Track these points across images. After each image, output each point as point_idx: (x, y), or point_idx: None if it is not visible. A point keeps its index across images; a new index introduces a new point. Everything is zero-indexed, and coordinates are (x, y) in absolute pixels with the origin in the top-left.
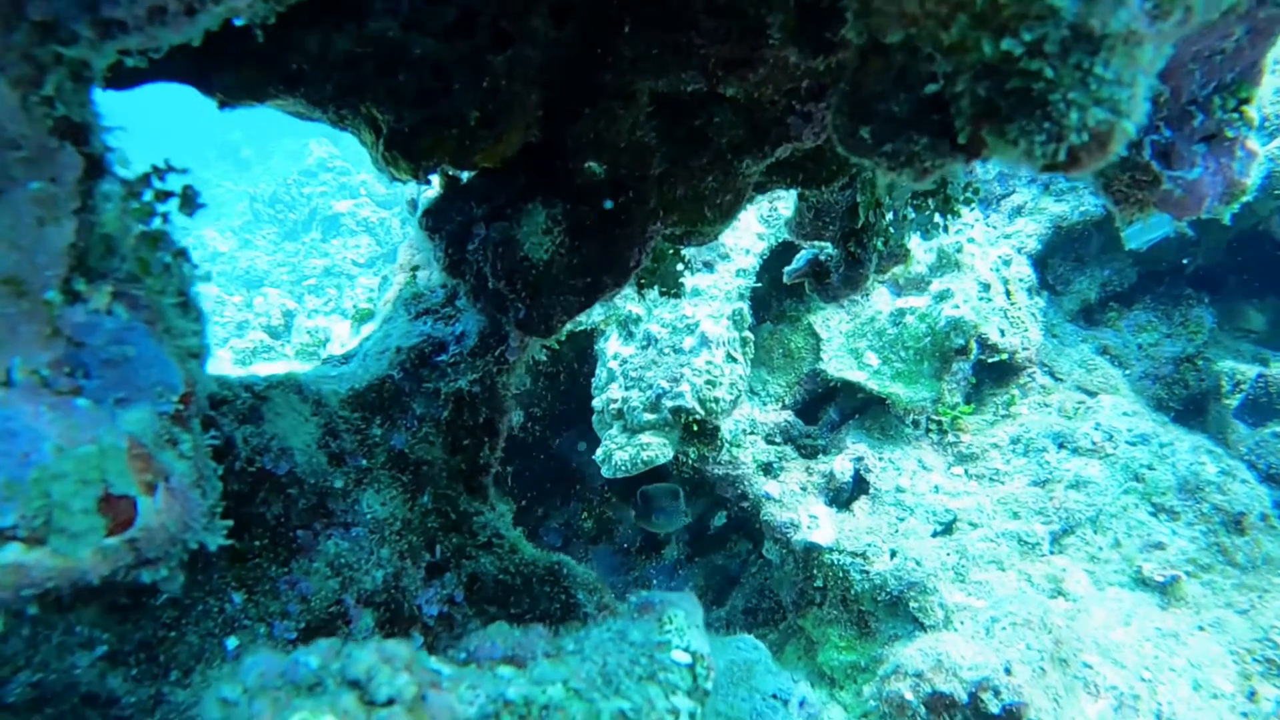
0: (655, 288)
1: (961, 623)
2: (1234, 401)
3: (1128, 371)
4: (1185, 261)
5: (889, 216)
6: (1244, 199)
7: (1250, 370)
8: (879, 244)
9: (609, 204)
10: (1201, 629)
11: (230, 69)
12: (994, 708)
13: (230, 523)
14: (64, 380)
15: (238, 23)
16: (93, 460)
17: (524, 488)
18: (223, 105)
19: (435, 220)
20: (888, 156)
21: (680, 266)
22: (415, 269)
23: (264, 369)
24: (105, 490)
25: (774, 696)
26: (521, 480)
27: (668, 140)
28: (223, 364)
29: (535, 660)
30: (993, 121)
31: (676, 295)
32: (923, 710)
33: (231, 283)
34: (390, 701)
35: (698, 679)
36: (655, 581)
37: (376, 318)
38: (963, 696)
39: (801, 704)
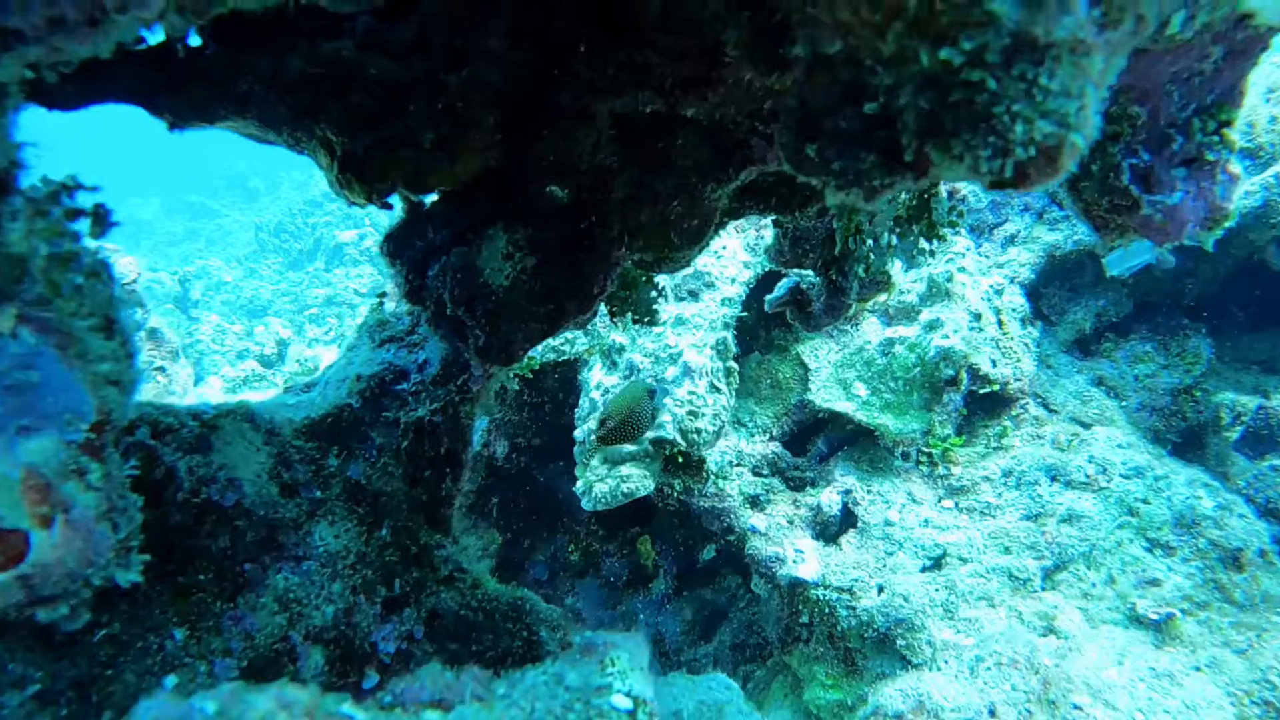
0: (628, 315)
1: (946, 661)
2: (1234, 434)
3: (1124, 403)
4: (1189, 290)
5: (869, 243)
6: (1227, 224)
7: (1251, 402)
8: (860, 271)
9: (572, 227)
10: (1198, 669)
11: (178, 89)
12: None
13: (148, 556)
14: None
15: (159, 38)
16: None
17: (510, 520)
18: (172, 127)
19: (396, 246)
20: (836, 175)
21: (653, 293)
22: (383, 295)
23: (253, 398)
24: None
25: None
26: (507, 512)
27: (630, 163)
28: (213, 392)
29: (464, 703)
30: (937, 137)
31: (650, 322)
32: None
33: (235, 312)
34: None
35: None
36: (642, 616)
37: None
38: None
39: None
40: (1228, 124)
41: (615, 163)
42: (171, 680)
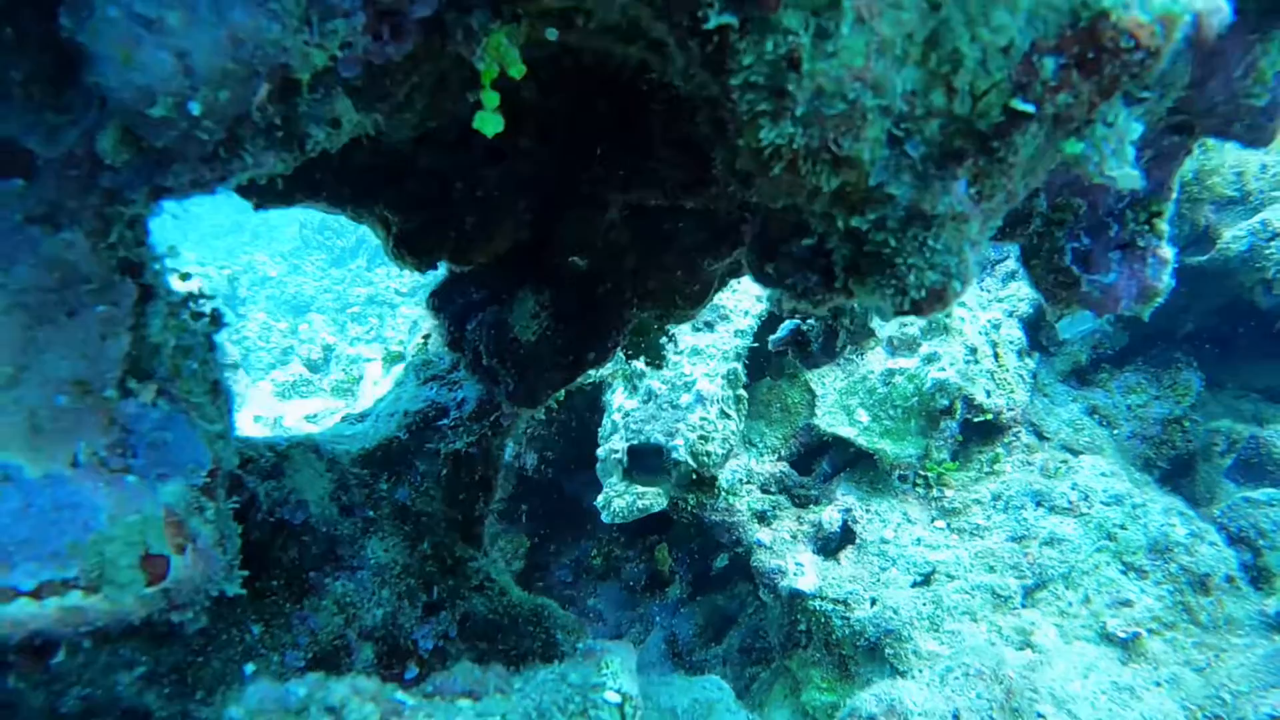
0: (641, 358)
1: (920, 671)
2: (1227, 461)
3: (1116, 431)
4: (1182, 325)
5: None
6: (1158, 300)
7: (1246, 430)
8: (846, 323)
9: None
10: (1158, 684)
11: (261, 185)
12: None
13: (246, 572)
14: (117, 460)
15: None
16: (137, 527)
17: (537, 526)
18: (257, 207)
19: (440, 301)
20: (789, 289)
21: (663, 340)
22: (426, 336)
23: (300, 406)
24: (146, 551)
25: None
26: (535, 519)
27: (640, 240)
28: (264, 396)
29: (489, 694)
30: (857, 275)
31: (659, 366)
32: None
33: (279, 308)
34: None
35: (625, 716)
36: (658, 619)
37: (408, 358)
38: None
39: None
40: (1158, 215)
41: (627, 240)
42: (250, 667)
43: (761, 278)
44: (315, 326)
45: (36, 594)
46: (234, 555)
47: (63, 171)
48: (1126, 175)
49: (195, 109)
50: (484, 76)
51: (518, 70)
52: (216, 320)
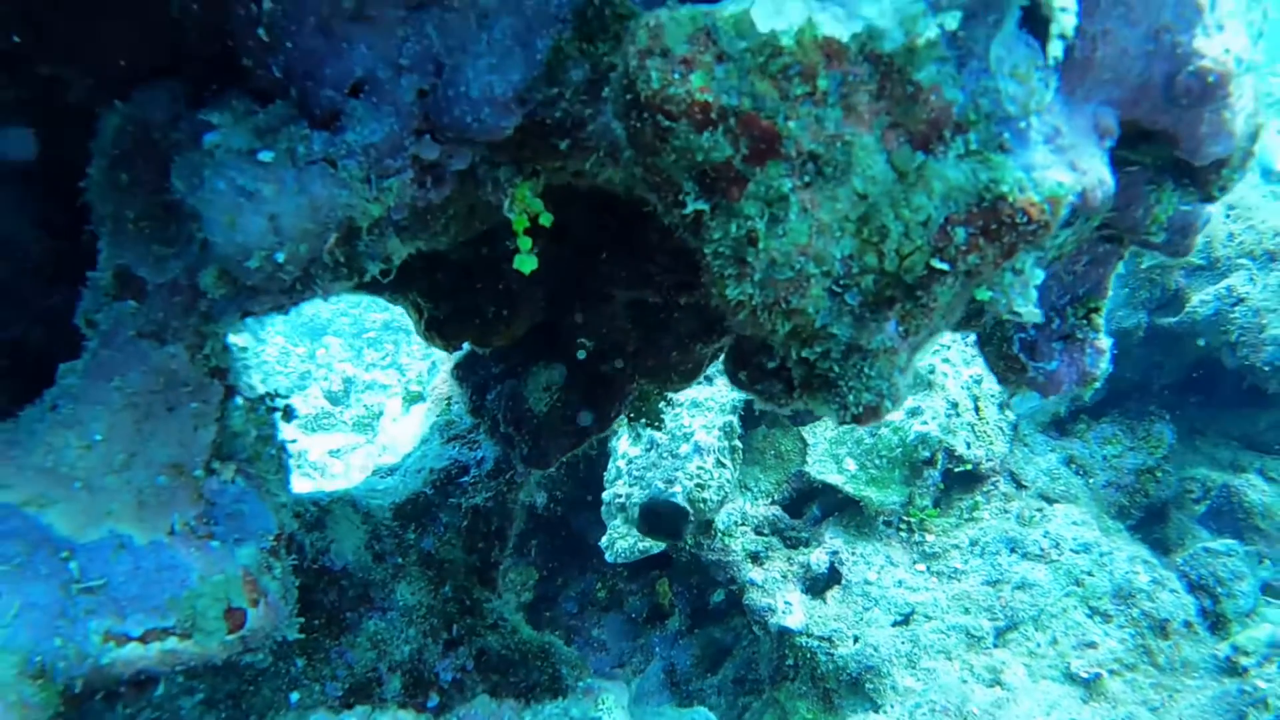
0: (642, 420)
1: (891, 705)
2: (1201, 508)
3: (1091, 480)
4: (1156, 381)
5: None
6: (1096, 385)
7: (1220, 479)
8: None
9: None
10: None
11: None
12: None
13: (301, 619)
14: (204, 529)
15: None
16: (221, 585)
17: (546, 560)
18: None
19: (463, 372)
20: (758, 393)
21: (662, 405)
22: (449, 399)
23: (324, 440)
24: (228, 604)
25: None
26: (544, 553)
27: (640, 327)
28: (288, 429)
29: None
30: (810, 390)
31: (658, 428)
32: None
33: (296, 331)
34: None
35: None
36: (658, 649)
37: (426, 398)
38: None
39: None
40: (1095, 310)
41: (629, 326)
42: (295, 696)
43: (736, 383)
44: (332, 351)
45: (143, 639)
46: (293, 606)
47: (168, 297)
48: (1030, 312)
49: (280, 258)
50: (516, 225)
51: (547, 219)
52: (288, 414)
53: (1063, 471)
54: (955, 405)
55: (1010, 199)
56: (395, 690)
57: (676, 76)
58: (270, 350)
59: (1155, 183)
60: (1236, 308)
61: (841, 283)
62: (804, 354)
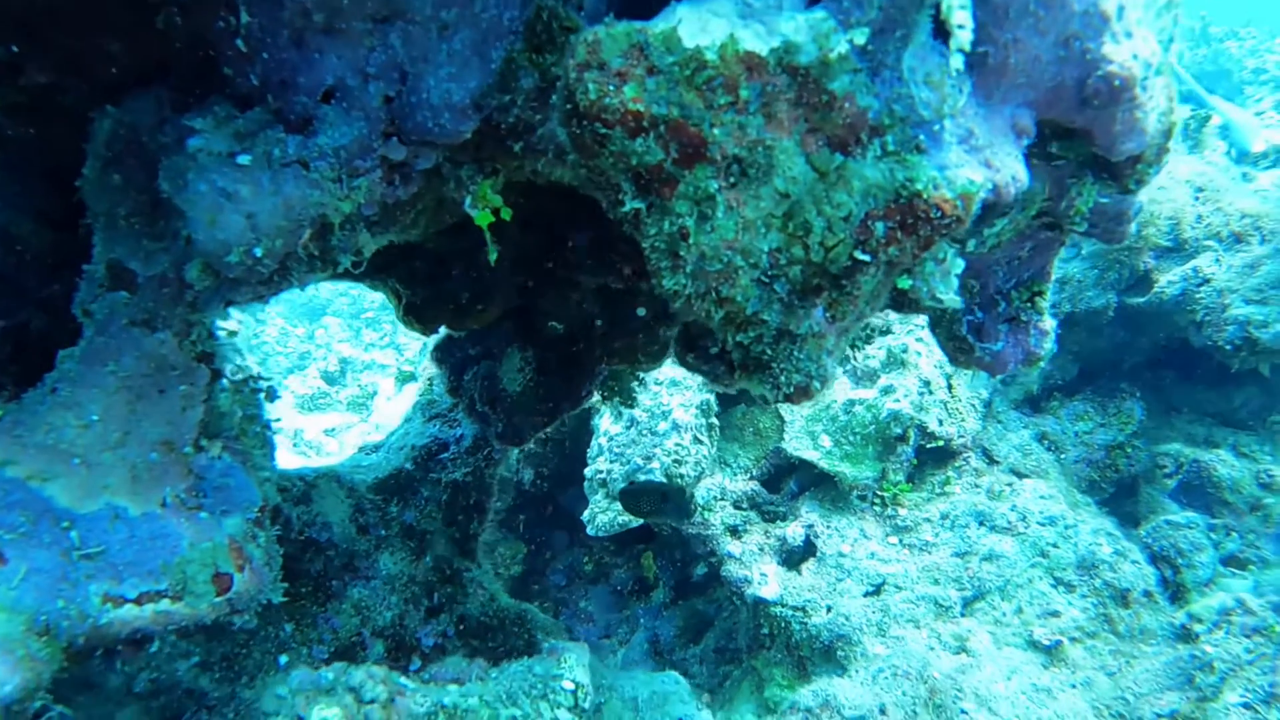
0: (615, 399)
1: (856, 671)
2: (1172, 483)
3: (1063, 456)
4: (1127, 359)
5: None
6: (1041, 364)
7: (1192, 454)
8: None
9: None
10: (1074, 686)
11: None
12: None
13: (286, 585)
14: (192, 501)
15: None
16: (209, 551)
17: (534, 534)
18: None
19: (442, 354)
20: (705, 374)
21: (634, 384)
22: (431, 378)
23: (319, 420)
24: (216, 570)
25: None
26: (532, 528)
27: (607, 310)
28: (284, 409)
29: (471, 681)
30: (747, 372)
31: (631, 406)
32: None
33: (295, 312)
34: (372, 701)
35: (579, 700)
36: (642, 620)
37: (418, 377)
38: None
39: None
40: (1039, 294)
41: (597, 310)
42: (284, 658)
43: (685, 364)
44: (331, 331)
45: (138, 601)
46: (277, 572)
47: (157, 288)
48: (951, 299)
49: (259, 252)
50: (478, 220)
51: (507, 213)
52: (270, 395)
53: (1034, 447)
54: (928, 383)
55: (925, 195)
56: (379, 654)
57: (611, 88)
58: (270, 331)
59: (1077, 176)
60: (1202, 288)
61: (769, 273)
62: (739, 339)
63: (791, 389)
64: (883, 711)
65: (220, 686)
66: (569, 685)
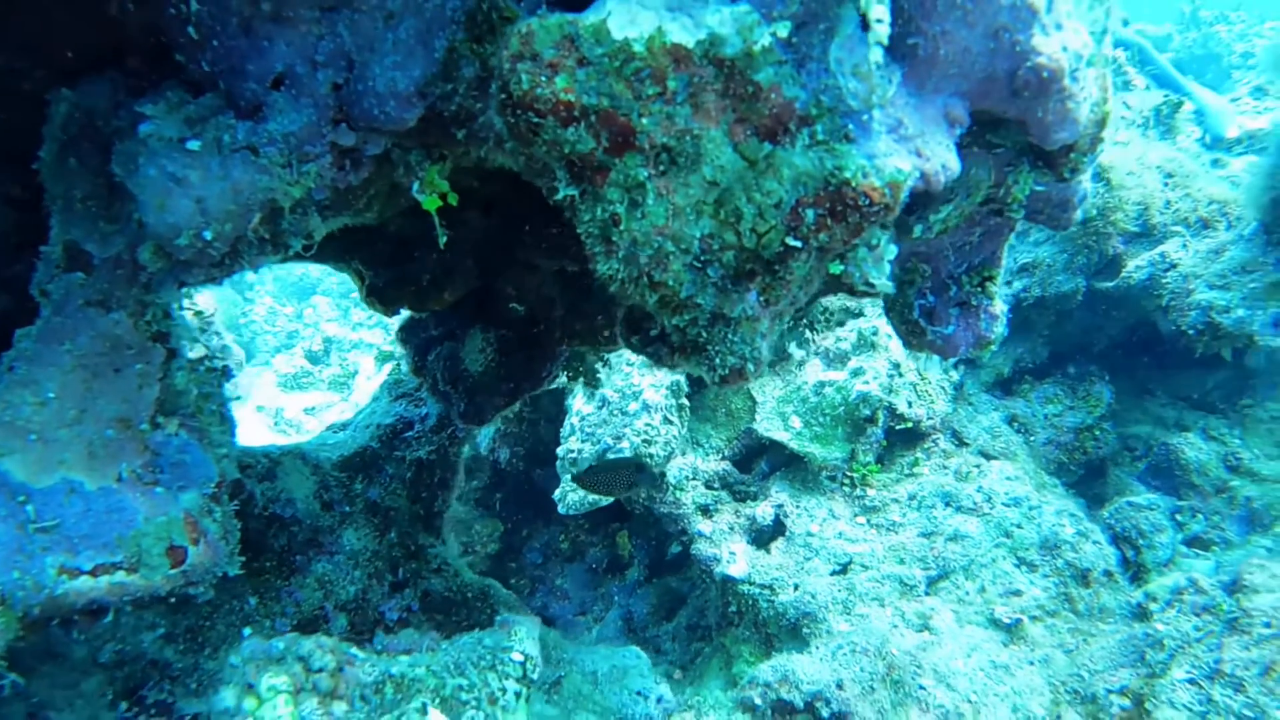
0: (580, 379)
1: (816, 648)
2: (1141, 465)
3: (1032, 438)
4: (1097, 342)
5: None
6: (992, 348)
7: (1162, 437)
8: None
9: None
10: (1031, 663)
11: None
12: (825, 713)
13: (244, 558)
14: (149, 476)
15: None
16: (164, 525)
17: (510, 513)
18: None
19: (406, 335)
20: (649, 356)
21: (598, 364)
22: (399, 359)
23: (300, 399)
24: (170, 543)
25: (638, 693)
26: (508, 506)
27: (567, 292)
28: (267, 387)
29: (421, 652)
30: (684, 354)
31: (595, 386)
32: (769, 713)
33: (284, 291)
34: (320, 670)
35: (526, 672)
36: (617, 598)
37: (396, 359)
38: (800, 704)
39: (659, 700)
40: (989, 279)
41: (556, 292)
42: (248, 630)
43: (630, 346)
44: (320, 310)
45: (94, 573)
46: (234, 545)
47: (112, 269)
48: (884, 285)
49: (208, 235)
50: (426, 204)
51: (454, 198)
52: (225, 374)
53: (1004, 429)
54: (898, 366)
55: (854, 184)
56: (342, 627)
57: (544, 79)
58: (259, 310)
59: (1014, 165)
60: (1169, 273)
61: (702, 259)
62: (675, 321)
63: (726, 370)
64: (840, 686)
65: (184, 658)
66: (518, 657)
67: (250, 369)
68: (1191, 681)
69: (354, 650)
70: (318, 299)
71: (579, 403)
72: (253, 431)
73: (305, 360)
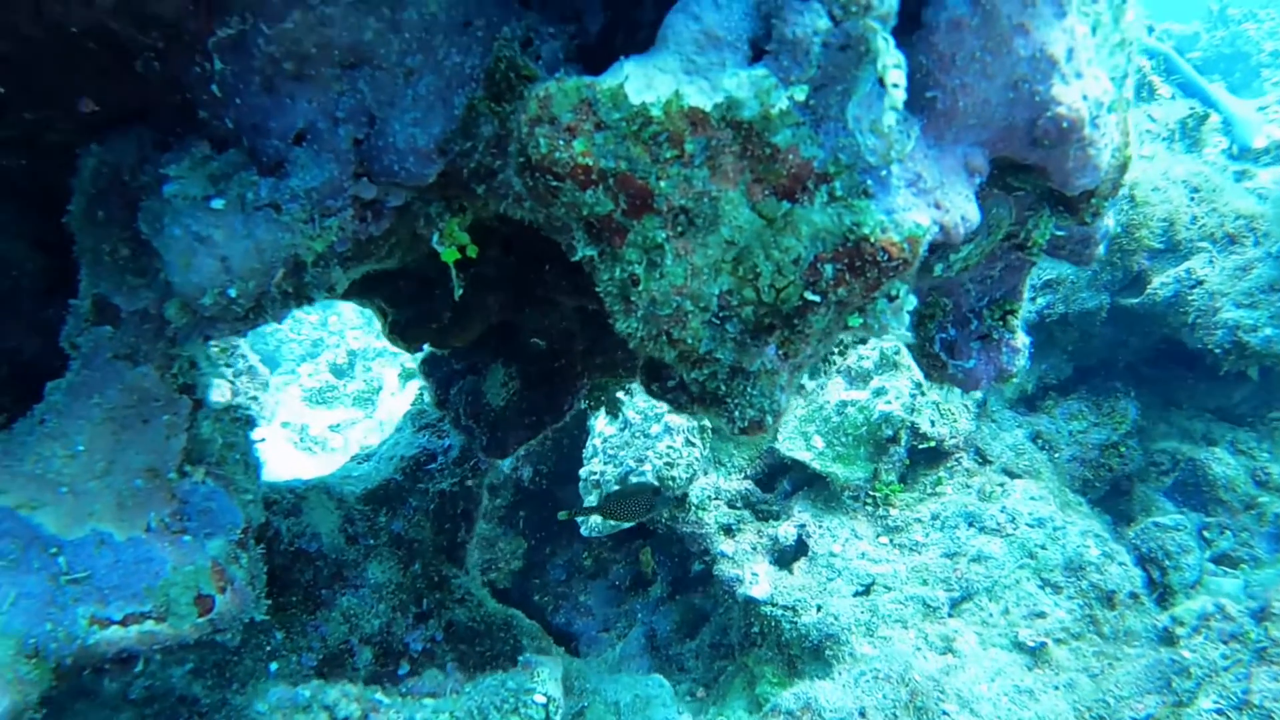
0: (602, 409)
1: (839, 674)
2: (1168, 481)
3: (1056, 455)
4: (1121, 358)
5: None
6: (1014, 380)
7: (1188, 452)
8: None
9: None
10: (1056, 688)
11: None
12: None
13: (270, 601)
14: (176, 525)
15: None
16: (192, 574)
17: (534, 530)
18: None
19: (429, 368)
20: (670, 403)
21: (618, 393)
22: (423, 388)
23: (325, 415)
24: (198, 592)
25: None
26: (532, 524)
27: (587, 327)
28: (292, 402)
29: (445, 695)
30: (704, 405)
31: (616, 415)
32: None
33: None
34: (346, 718)
35: (549, 714)
36: (641, 615)
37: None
38: None
39: None
40: (1011, 313)
41: (577, 327)
42: (274, 665)
43: (650, 393)
44: (344, 318)
45: (124, 623)
46: (260, 590)
47: (140, 323)
48: (903, 335)
49: (233, 293)
50: (445, 256)
51: (473, 250)
52: (250, 423)
53: (1028, 447)
54: (919, 385)
55: (872, 239)
56: (367, 660)
57: (562, 143)
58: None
59: (1034, 209)
60: (1195, 290)
61: (721, 315)
62: (694, 375)
63: (745, 423)
64: (863, 714)
65: (212, 693)
66: (540, 699)
67: (275, 378)
68: (1219, 712)
69: (379, 696)
70: (342, 305)
71: (601, 424)
72: (278, 449)
73: (330, 374)
